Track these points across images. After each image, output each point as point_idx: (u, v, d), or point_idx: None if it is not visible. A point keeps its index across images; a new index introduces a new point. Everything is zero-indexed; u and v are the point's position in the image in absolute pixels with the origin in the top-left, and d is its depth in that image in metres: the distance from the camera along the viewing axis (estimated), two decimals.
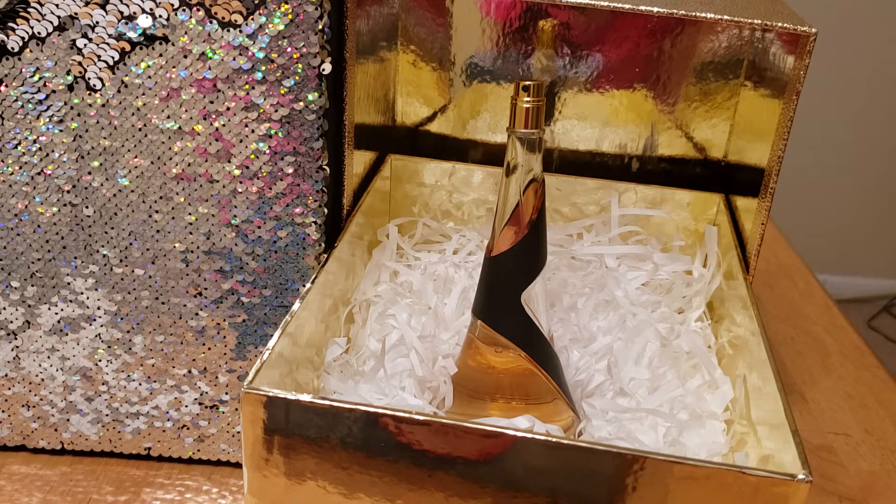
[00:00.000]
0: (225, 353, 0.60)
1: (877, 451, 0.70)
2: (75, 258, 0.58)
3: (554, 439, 0.42)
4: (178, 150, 0.55)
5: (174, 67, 0.53)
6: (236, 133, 0.55)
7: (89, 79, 0.53)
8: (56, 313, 0.59)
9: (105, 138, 0.55)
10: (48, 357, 0.60)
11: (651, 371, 0.60)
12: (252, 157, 0.55)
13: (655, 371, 0.60)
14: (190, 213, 0.56)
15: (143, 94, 0.54)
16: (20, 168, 0.55)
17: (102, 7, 0.52)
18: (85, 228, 0.57)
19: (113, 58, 0.53)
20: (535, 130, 0.51)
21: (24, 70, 0.53)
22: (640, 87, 0.74)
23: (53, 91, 0.54)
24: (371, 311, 0.64)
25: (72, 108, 0.54)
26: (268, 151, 0.55)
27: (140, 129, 0.55)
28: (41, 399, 0.62)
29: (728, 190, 0.72)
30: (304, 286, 0.57)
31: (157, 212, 0.56)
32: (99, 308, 0.59)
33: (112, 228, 0.57)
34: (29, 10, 0.52)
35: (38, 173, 0.56)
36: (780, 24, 0.57)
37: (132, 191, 0.56)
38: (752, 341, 0.54)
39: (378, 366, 0.56)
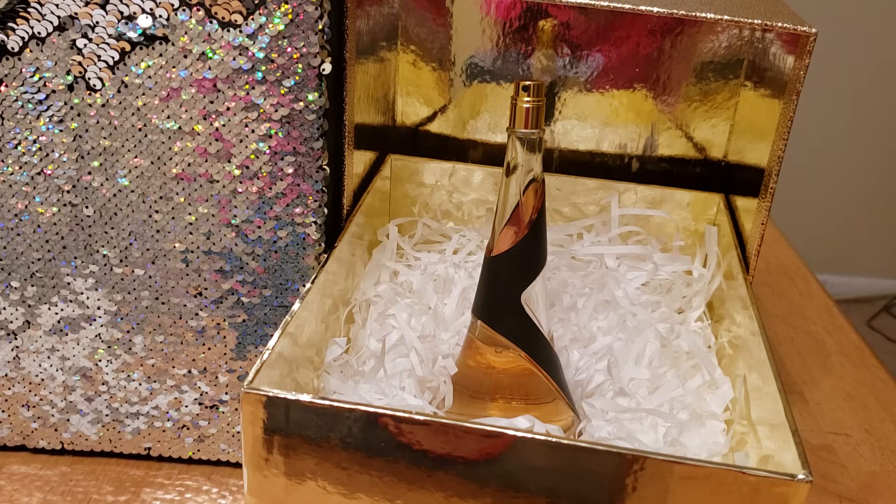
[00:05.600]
0: (225, 353, 0.60)
1: (877, 451, 0.70)
2: (75, 258, 0.58)
3: (554, 439, 0.42)
4: (178, 150, 0.55)
5: (174, 67, 0.53)
6: (236, 133, 0.55)
7: (89, 79, 0.53)
8: (56, 313, 0.59)
9: (105, 138, 0.55)
10: (48, 357, 0.60)
11: (651, 371, 0.60)
12: (252, 157, 0.55)
13: (655, 371, 0.60)
14: (190, 213, 0.56)
15: (143, 94, 0.54)
16: (20, 168, 0.55)
17: (102, 7, 0.52)
18: (85, 228, 0.57)
19: (113, 58, 0.53)
20: (535, 130, 0.51)
21: (24, 70, 0.53)
22: (640, 87, 0.74)
23: (53, 91, 0.54)
24: (371, 311, 0.64)
25: (72, 108, 0.54)
26: (268, 151, 0.55)
27: (140, 129, 0.55)
28: (41, 399, 0.62)
29: (728, 190, 0.72)
30: (304, 286, 0.57)
31: (157, 212, 0.56)
32: (99, 308, 0.59)
33: (112, 228, 0.57)
34: (29, 10, 0.52)
35: (38, 173, 0.56)
36: (780, 24, 0.57)
37: (132, 191, 0.56)
38: (752, 341, 0.54)
39: (378, 366, 0.56)
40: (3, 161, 0.55)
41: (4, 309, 0.59)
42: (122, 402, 0.62)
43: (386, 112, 0.74)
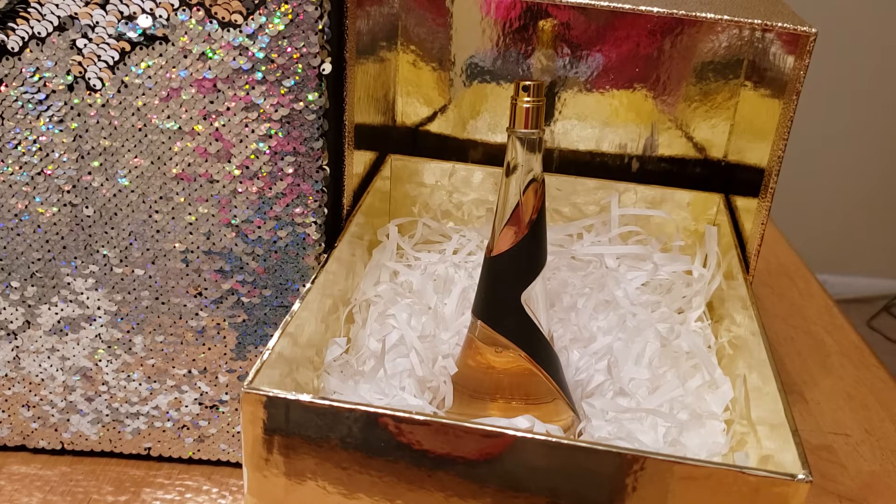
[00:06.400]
0: (225, 353, 0.60)
1: (877, 451, 0.70)
2: (75, 258, 0.58)
3: (554, 439, 0.42)
4: (178, 150, 0.55)
5: (174, 67, 0.53)
6: (236, 133, 0.55)
7: (89, 79, 0.53)
8: (56, 313, 0.59)
9: (105, 138, 0.55)
10: (48, 357, 0.60)
11: (651, 371, 0.60)
12: (252, 157, 0.55)
13: (655, 371, 0.60)
14: (190, 213, 0.56)
15: (143, 94, 0.54)
16: (20, 168, 0.55)
17: (102, 7, 0.52)
18: (85, 228, 0.57)
19: (113, 58, 0.53)
20: (535, 130, 0.51)
21: (24, 70, 0.53)
22: (640, 87, 0.74)
23: (53, 91, 0.54)
24: (371, 311, 0.64)
25: (72, 108, 0.54)
26: (268, 151, 0.55)
27: (140, 129, 0.55)
28: (41, 399, 0.62)
29: (728, 190, 0.72)
30: (304, 286, 0.57)
31: (157, 212, 0.56)
32: (99, 308, 0.59)
33: (112, 228, 0.57)
34: (29, 10, 0.52)
35: (38, 173, 0.56)
36: (780, 24, 0.57)
37: (132, 191, 0.56)
38: (752, 341, 0.54)
39: (378, 366, 0.56)
40: (3, 161, 0.55)
41: (4, 309, 0.59)
42: (122, 402, 0.62)
43: (386, 112, 0.74)
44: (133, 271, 0.58)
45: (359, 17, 0.59)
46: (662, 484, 0.42)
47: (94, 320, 0.59)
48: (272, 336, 0.49)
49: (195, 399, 0.61)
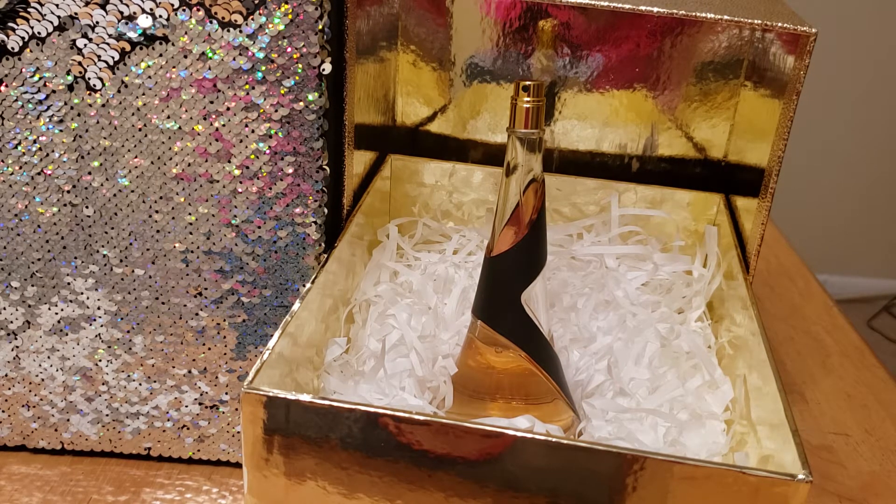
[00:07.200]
0: (225, 353, 0.60)
1: (877, 451, 0.70)
2: (75, 258, 0.58)
3: (554, 439, 0.42)
4: (178, 150, 0.55)
5: (174, 67, 0.53)
6: (236, 133, 0.55)
7: (89, 79, 0.53)
8: (56, 313, 0.59)
9: (105, 138, 0.55)
10: (48, 357, 0.60)
11: (651, 371, 0.60)
12: (252, 157, 0.55)
13: (655, 371, 0.60)
14: (190, 213, 0.56)
15: (143, 94, 0.54)
16: (20, 168, 0.55)
17: (102, 7, 0.52)
18: (85, 228, 0.57)
19: (113, 58, 0.53)
20: (535, 130, 0.51)
21: (24, 70, 0.53)
22: (640, 87, 0.74)
23: (53, 91, 0.54)
24: (371, 311, 0.64)
25: (72, 108, 0.54)
26: (268, 151, 0.55)
27: (140, 129, 0.55)
28: (41, 399, 0.62)
29: (728, 190, 0.72)
30: (304, 286, 0.57)
31: (157, 212, 0.56)
32: (99, 308, 0.59)
33: (112, 228, 0.57)
34: (29, 10, 0.52)
35: (38, 173, 0.56)
36: (780, 24, 0.57)
37: (132, 191, 0.56)
38: (752, 341, 0.54)
39: (378, 366, 0.56)
40: (3, 161, 0.55)
41: (4, 309, 0.59)
42: (122, 402, 0.62)
43: (386, 112, 0.74)
44: (133, 271, 0.58)
45: (359, 17, 0.59)
46: (662, 484, 0.42)
47: (94, 320, 0.59)
48: (272, 336, 0.49)
49: (195, 399, 0.61)
